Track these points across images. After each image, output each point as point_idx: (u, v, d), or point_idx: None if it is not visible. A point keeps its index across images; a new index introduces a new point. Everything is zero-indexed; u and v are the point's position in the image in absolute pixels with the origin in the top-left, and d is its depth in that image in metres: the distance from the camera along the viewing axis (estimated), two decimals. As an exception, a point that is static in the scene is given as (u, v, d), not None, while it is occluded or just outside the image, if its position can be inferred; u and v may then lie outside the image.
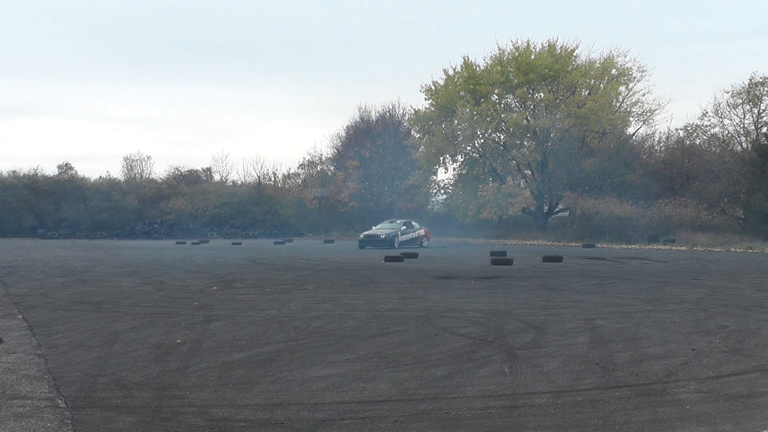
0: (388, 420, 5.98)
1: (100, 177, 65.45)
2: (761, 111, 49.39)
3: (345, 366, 7.96)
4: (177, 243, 47.48)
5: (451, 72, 56.29)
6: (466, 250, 37.96)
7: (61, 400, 6.60)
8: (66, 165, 64.91)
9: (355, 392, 6.85)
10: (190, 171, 68.55)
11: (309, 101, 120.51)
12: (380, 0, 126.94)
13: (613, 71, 54.44)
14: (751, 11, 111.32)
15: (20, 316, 11.70)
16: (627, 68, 54.31)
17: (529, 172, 56.80)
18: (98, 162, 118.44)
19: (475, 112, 53.98)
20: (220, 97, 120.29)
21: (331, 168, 70.55)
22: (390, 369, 7.85)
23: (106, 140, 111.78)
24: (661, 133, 67.13)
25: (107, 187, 63.00)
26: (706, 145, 52.31)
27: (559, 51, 54.25)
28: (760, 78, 48.17)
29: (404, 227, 40.83)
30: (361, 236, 40.40)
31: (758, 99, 49.07)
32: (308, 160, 71.51)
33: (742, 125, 50.51)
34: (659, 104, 71.32)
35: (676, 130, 58.10)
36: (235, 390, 6.93)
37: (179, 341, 9.40)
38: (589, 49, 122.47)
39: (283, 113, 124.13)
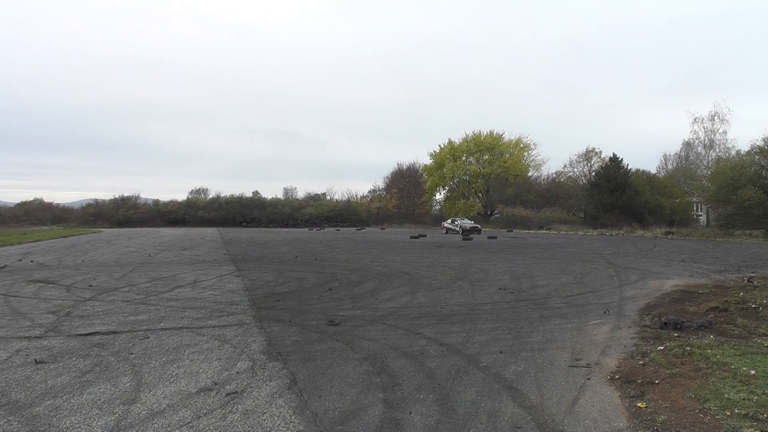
0: (413, 314, 6.16)
1: (271, 197, 66.17)
2: (591, 164, 48.62)
3: (393, 290, 8.11)
4: (308, 230, 47.82)
5: (442, 146, 55.99)
6: (450, 236, 37.64)
7: (250, 301, 6.86)
8: (255, 192, 65.87)
9: (401, 302, 6.99)
10: (315, 194, 69.00)
11: (372, 161, 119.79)
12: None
13: (521, 144, 53.53)
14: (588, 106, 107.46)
15: (233, 266, 12.05)
16: (528, 143, 53.45)
17: (480, 195, 56.06)
18: (269, 186, 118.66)
19: (453, 166, 53.56)
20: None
21: (383, 193, 70.27)
22: (416, 290, 7.99)
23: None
24: (545, 174, 65.29)
25: (275, 202, 63.65)
26: (567, 180, 51.15)
27: (495, 135, 53.59)
28: (591, 148, 47.51)
29: None
30: None
31: (590, 158, 48.26)
32: (372, 189, 71.44)
33: (582, 171, 49.48)
34: (543, 160, 69.81)
35: (553, 173, 56.84)
36: (341, 305, 7.14)
37: (301, 279, 9.57)
38: (509, 133, 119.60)
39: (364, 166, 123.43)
